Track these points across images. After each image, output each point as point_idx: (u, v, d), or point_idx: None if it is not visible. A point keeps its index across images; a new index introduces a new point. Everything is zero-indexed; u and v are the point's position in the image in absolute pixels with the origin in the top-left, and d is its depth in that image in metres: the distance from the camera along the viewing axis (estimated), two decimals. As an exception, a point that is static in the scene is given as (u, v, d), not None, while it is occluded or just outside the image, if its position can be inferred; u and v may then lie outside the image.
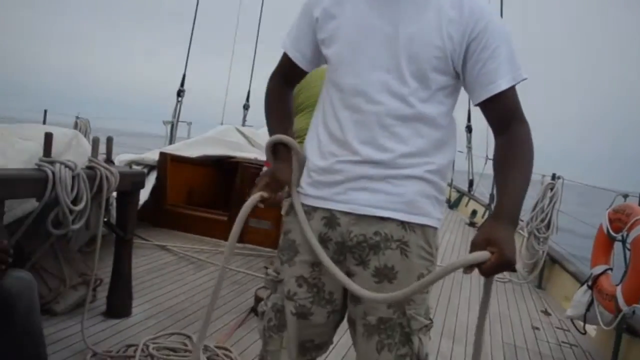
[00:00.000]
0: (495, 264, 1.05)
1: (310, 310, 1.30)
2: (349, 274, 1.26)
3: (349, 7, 1.26)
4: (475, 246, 1.10)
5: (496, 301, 4.20)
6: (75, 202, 2.24)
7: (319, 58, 1.37)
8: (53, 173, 2.13)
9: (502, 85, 1.19)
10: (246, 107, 9.45)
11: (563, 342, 3.48)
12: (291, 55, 1.39)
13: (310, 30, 1.33)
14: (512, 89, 1.20)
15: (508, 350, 3.16)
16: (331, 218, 1.26)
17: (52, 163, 2.16)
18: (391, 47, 1.20)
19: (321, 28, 1.30)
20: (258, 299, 3.06)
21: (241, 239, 4.68)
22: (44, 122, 6.80)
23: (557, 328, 3.76)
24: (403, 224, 1.22)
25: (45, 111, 7.01)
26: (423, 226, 1.24)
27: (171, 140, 7.79)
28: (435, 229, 1.27)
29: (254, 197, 1.26)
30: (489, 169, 8.20)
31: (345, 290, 1.29)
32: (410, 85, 1.20)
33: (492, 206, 7.64)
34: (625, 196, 3.33)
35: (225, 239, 4.90)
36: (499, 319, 3.75)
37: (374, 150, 1.22)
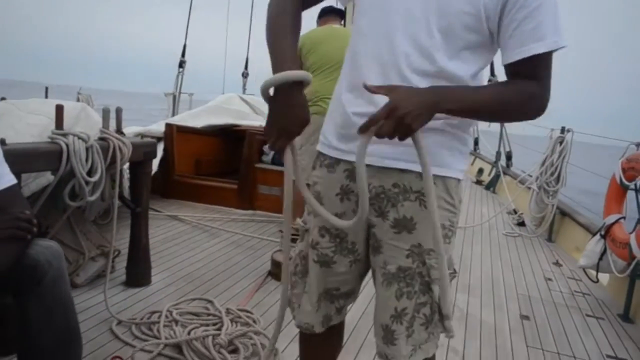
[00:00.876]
0: (382, 110, 1.06)
1: (332, 259, 1.32)
2: (370, 225, 1.27)
3: None
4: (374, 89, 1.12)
5: (508, 255, 4.25)
6: (90, 173, 2.24)
7: None
8: (67, 145, 2.13)
9: (534, 50, 1.11)
10: (245, 75, 9.33)
11: (576, 291, 3.53)
12: None
13: None
14: (545, 56, 1.13)
15: (523, 301, 3.21)
16: (353, 170, 1.26)
17: (65, 135, 2.16)
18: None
19: None
20: (275, 263, 3.10)
21: (251, 205, 4.71)
22: (46, 97, 6.75)
23: (569, 278, 3.81)
24: (422, 175, 1.21)
25: (47, 88, 6.94)
26: (444, 177, 1.23)
27: (174, 112, 7.73)
28: (458, 180, 1.26)
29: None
30: (495, 127, 8.13)
31: (368, 241, 1.30)
32: (437, 39, 1.15)
33: (499, 164, 7.66)
34: (639, 145, 3.31)
35: (236, 206, 4.95)
36: (511, 271, 3.80)
37: None
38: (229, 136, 5.64)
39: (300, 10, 1.32)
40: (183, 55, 7.74)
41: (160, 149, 4.82)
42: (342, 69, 1.34)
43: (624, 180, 3.20)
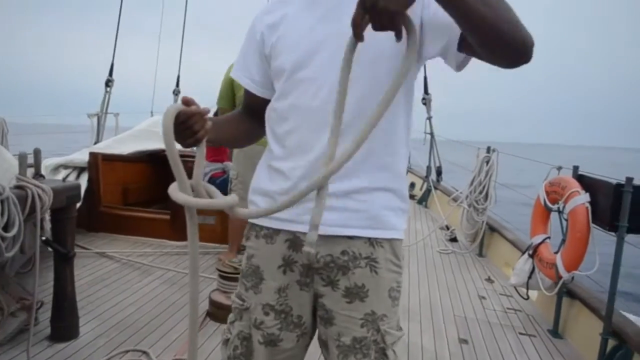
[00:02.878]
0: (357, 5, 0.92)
1: (279, 337, 1.26)
2: (318, 295, 1.23)
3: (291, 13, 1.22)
4: None
5: (443, 274, 4.36)
6: (6, 228, 2.05)
7: (271, 83, 1.30)
8: (-22, 200, 1.94)
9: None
10: (176, 92, 9.04)
11: (508, 308, 3.68)
12: (243, 83, 1.34)
13: (257, 50, 1.28)
14: None
15: (460, 323, 3.30)
16: (295, 240, 1.22)
17: (-25, 189, 1.96)
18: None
19: (265, 42, 1.25)
20: (213, 302, 2.99)
21: (185, 236, 4.52)
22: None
23: (501, 294, 3.96)
24: (370, 240, 1.19)
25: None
26: (391, 240, 1.22)
27: (98, 133, 7.35)
28: (401, 240, 1.26)
29: (172, 108, 0.99)
30: (426, 144, 8.41)
31: (314, 313, 1.26)
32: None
33: (430, 179, 7.91)
34: (559, 168, 3.50)
35: (169, 237, 4.76)
36: (447, 292, 3.90)
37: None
38: (159, 162, 5.43)
39: (252, 119, 1.37)
40: (110, 74, 7.38)
41: (84, 179, 4.56)
42: (268, 147, 1.30)
43: (547, 202, 3.38)
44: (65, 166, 4.49)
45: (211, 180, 4.48)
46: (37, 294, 2.84)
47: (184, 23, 8.56)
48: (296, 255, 1.22)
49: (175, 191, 1.00)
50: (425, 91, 8.03)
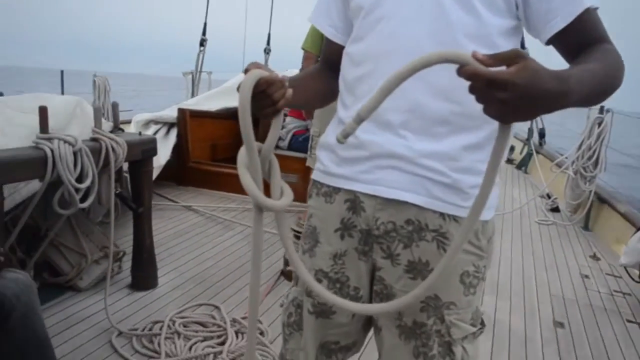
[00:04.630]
0: (505, 75, 0.70)
1: (331, 309, 1.11)
2: (376, 268, 1.06)
3: None
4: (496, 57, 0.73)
5: (540, 247, 3.97)
6: (80, 179, 2.08)
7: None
8: (52, 151, 1.96)
9: (586, 2, 0.92)
10: (267, 51, 9.00)
11: (615, 291, 3.26)
12: (322, 30, 1.17)
13: None
14: (595, 13, 0.94)
15: (556, 303, 2.96)
16: (355, 201, 1.05)
17: (50, 140, 1.99)
18: None
19: None
20: (287, 263, 2.92)
21: (268, 193, 4.52)
22: (62, 83, 6.65)
23: (608, 274, 3.53)
24: (442, 214, 0.99)
25: (62, 72, 6.82)
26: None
27: (193, 92, 7.56)
28: (487, 221, 1.03)
29: (252, 75, 0.86)
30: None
31: (372, 285, 1.09)
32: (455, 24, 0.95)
33: (531, 142, 7.25)
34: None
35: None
36: (544, 267, 3.53)
37: None
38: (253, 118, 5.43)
39: (332, 74, 1.17)
40: (204, 33, 7.46)
41: (173, 135, 4.67)
42: (339, 98, 1.12)
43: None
44: (155, 122, 4.62)
45: (294, 138, 4.40)
46: (122, 245, 2.95)
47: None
48: (356, 219, 1.05)
49: (243, 169, 0.87)
50: (522, 45, 7.22)
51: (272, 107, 0.92)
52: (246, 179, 0.85)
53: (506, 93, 0.70)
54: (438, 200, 0.98)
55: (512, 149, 8.12)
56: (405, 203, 0.99)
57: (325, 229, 1.10)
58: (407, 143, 0.98)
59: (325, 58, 1.22)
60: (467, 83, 0.76)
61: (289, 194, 0.91)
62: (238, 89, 0.86)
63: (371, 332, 1.18)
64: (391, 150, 0.99)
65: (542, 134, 7.31)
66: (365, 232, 1.05)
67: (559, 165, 4.92)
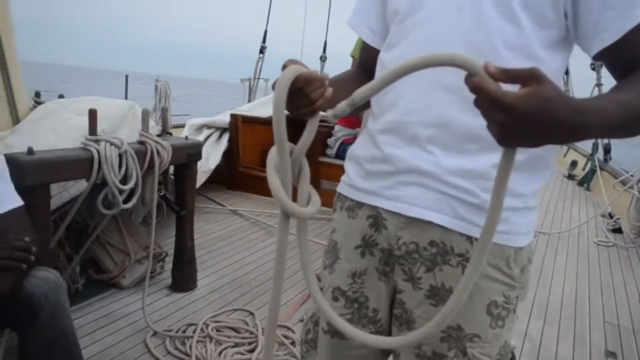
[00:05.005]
0: (509, 99, 0.64)
1: None
2: (397, 290, 1.01)
3: None
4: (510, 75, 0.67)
5: (597, 269, 3.73)
6: (124, 180, 2.15)
7: None
8: (98, 152, 2.04)
9: (638, 17, 0.82)
10: (323, 58, 9.05)
11: (680, 321, 3.00)
12: (359, 33, 1.13)
13: None
14: None
15: (610, 331, 2.76)
16: (377, 217, 1.00)
17: (97, 141, 2.07)
18: None
19: None
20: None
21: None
22: (126, 87, 6.94)
23: (672, 303, 3.26)
24: (470, 237, 0.92)
25: (127, 76, 7.14)
26: (502, 245, 0.92)
27: (250, 98, 7.70)
28: (521, 247, 0.94)
29: (290, 70, 0.79)
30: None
31: (391, 308, 1.04)
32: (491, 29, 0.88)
33: (595, 157, 6.86)
34: None
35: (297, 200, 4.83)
36: (600, 291, 3.31)
37: None
38: (297, 125, 5.46)
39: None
40: (264, 41, 7.61)
41: (225, 139, 4.76)
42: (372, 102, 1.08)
43: None
44: (208, 126, 4.73)
45: (342, 146, 4.38)
46: (165, 246, 3.03)
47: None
48: (377, 236, 1.01)
49: (272, 171, 0.83)
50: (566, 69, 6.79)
51: (310, 107, 0.85)
52: (274, 182, 0.81)
53: (506, 117, 0.65)
54: (465, 221, 0.91)
55: (574, 164, 7.73)
56: (430, 223, 0.93)
57: (346, 245, 1.06)
58: (434, 159, 0.93)
59: (362, 62, 1.18)
60: None
61: (316, 201, 0.87)
62: (273, 87, 0.81)
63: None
64: (416, 165, 0.94)
65: (607, 149, 6.89)
66: (387, 252, 1.00)
67: (623, 183, 4.62)
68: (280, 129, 0.79)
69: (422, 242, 0.94)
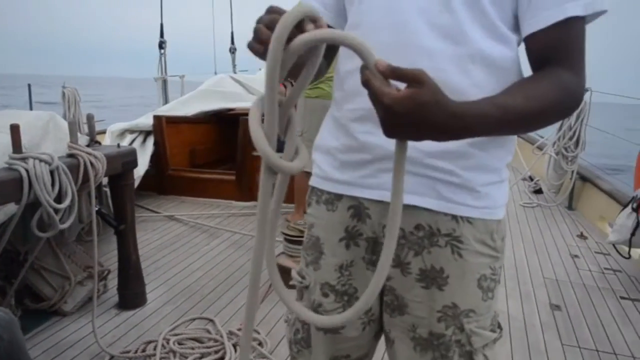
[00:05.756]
0: (386, 100, 0.68)
1: None
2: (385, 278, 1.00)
3: None
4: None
5: (528, 230, 3.98)
6: (59, 199, 1.97)
7: (344, 9, 1.03)
8: (27, 171, 1.85)
9: (569, 10, 0.83)
10: (232, 50, 8.85)
11: (606, 268, 3.28)
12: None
13: None
14: (580, 26, 0.85)
15: (551, 286, 2.96)
16: (359, 208, 0.98)
17: (24, 159, 1.88)
18: None
19: None
20: (280, 267, 2.84)
21: (251, 196, 4.44)
22: (30, 97, 6.42)
23: (597, 252, 3.55)
24: (455, 216, 0.93)
25: (29, 85, 6.58)
26: (485, 219, 0.94)
27: (165, 97, 7.38)
28: (500, 220, 0.97)
29: (299, 10, 0.68)
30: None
31: (382, 297, 1.03)
32: (458, 11, 0.87)
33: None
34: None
35: (236, 198, 4.70)
36: (534, 250, 3.54)
37: None
38: (224, 121, 5.34)
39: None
40: (162, 35, 7.23)
41: (150, 143, 4.54)
42: (334, 84, 1.04)
43: (657, 148, 2.90)
44: (130, 131, 4.49)
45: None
46: (105, 262, 2.84)
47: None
48: (361, 226, 0.99)
49: (255, 123, 0.71)
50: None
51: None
52: (258, 133, 0.70)
53: (384, 114, 0.70)
54: (449, 202, 0.92)
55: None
56: (415, 207, 0.92)
57: (329, 239, 1.03)
58: (413, 143, 0.92)
59: None
60: (475, 79, 0.82)
61: (304, 155, 0.78)
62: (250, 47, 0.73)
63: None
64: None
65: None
66: (372, 241, 0.99)
67: (540, 148, 4.95)
68: (273, 73, 0.69)
69: (408, 227, 0.94)
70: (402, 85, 0.70)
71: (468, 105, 0.75)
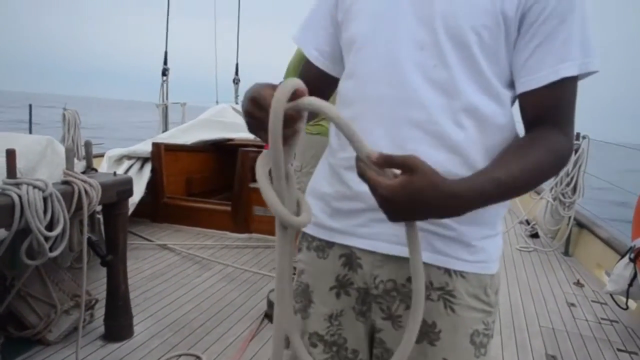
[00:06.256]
0: (382, 191, 0.74)
1: None
2: (375, 329, 0.97)
3: None
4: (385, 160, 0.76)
5: (525, 276, 3.93)
6: (50, 226, 1.94)
7: (341, 57, 1.04)
8: (20, 197, 1.82)
9: (563, 71, 0.84)
10: (236, 81, 8.92)
11: (602, 318, 3.22)
12: (306, 52, 1.06)
13: (328, 14, 1.02)
14: (572, 81, 0.86)
15: (547, 335, 2.90)
16: (351, 256, 0.96)
17: (17, 185, 1.85)
18: (425, 17, 0.88)
19: (339, 6, 1.00)
20: (271, 304, 2.79)
21: (247, 228, 4.41)
22: (30, 117, 6.43)
23: (594, 302, 3.50)
24: (447, 269, 0.91)
25: (30, 106, 6.60)
26: (478, 274, 0.93)
27: (165, 124, 7.40)
28: (493, 274, 0.95)
29: (289, 85, 0.74)
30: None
31: (371, 347, 1.00)
32: (453, 67, 0.87)
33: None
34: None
35: (231, 229, 4.66)
36: (531, 297, 3.49)
37: None
38: (222, 151, 5.35)
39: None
40: (165, 62, 7.30)
41: (148, 169, 4.52)
42: (329, 131, 1.04)
43: (656, 199, 2.89)
44: (128, 157, 4.47)
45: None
46: (93, 291, 2.78)
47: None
48: (352, 275, 0.97)
49: (265, 181, 0.76)
50: None
51: (292, 128, 0.78)
52: (269, 193, 0.75)
53: (382, 202, 0.75)
54: (443, 255, 0.90)
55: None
56: (407, 259, 0.91)
57: (319, 287, 1.01)
58: None
59: (302, 78, 1.14)
60: (470, 134, 0.86)
61: (308, 208, 0.82)
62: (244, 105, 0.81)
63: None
64: None
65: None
66: (363, 291, 0.97)
67: (537, 193, 4.95)
68: (276, 133, 0.73)
69: (399, 279, 0.92)
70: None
71: (465, 183, 0.78)
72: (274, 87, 0.78)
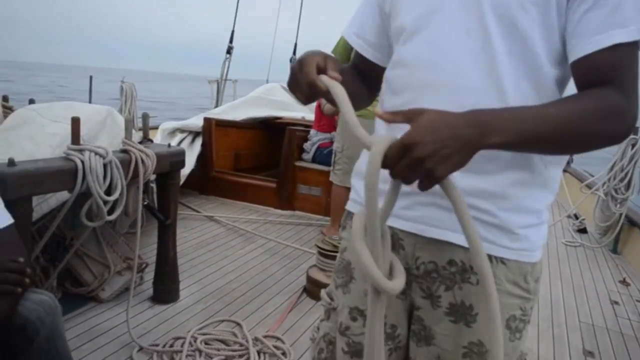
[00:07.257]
0: (396, 145, 0.74)
1: None
2: (414, 307, 1.01)
3: None
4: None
5: (568, 270, 3.85)
6: (109, 191, 2.07)
7: (388, 46, 1.08)
8: (82, 162, 1.96)
9: (614, 37, 0.81)
10: (292, 61, 8.98)
11: (647, 319, 3.14)
12: (353, 43, 1.12)
13: (376, 5, 1.07)
14: (628, 51, 0.83)
15: (586, 331, 2.86)
16: (393, 237, 0.98)
17: (81, 151, 1.98)
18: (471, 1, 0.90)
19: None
20: (310, 280, 2.88)
21: (290, 205, 4.51)
22: (90, 89, 6.73)
23: (638, 301, 3.40)
24: (490, 255, 0.92)
25: (91, 77, 6.90)
26: (519, 261, 0.94)
27: (218, 100, 7.58)
28: (536, 263, 0.97)
29: (382, 143, 0.75)
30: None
31: (409, 323, 1.04)
32: (498, 50, 0.88)
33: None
34: None
35: (275, 206, 4.77)
36: (572, 292, 3.42)
37: None
38: (271, 129, 5.44)
39: (365, 86, 1.16)
40: (231, 41, 7.44)
41: (198, 144, 4.68)
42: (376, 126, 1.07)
43: None
44: (181, 130, 4.64)
45: (318, 151, 4.37)
46: (143, 256, 2.94)
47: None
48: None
49: (361, 244, 0.74)
50: None
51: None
52: (366, 256, 0.73)
53: (413, 148, 0.72)
54: (485, 241, 0.90)
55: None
56: (449, 243, 0.93)
57: None
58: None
59: (354, 66, 1.17)
60: None
61: (401, 271, 0.79)
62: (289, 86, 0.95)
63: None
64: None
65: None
66: (405, 270, 1.00)
67: (589, 187, 4.80)
68: (372, 198, 0.73)
69: (440, 262, 0.95)
70: None
71: (495, 111, 0.80)
72: (323, 56, 0.93)
